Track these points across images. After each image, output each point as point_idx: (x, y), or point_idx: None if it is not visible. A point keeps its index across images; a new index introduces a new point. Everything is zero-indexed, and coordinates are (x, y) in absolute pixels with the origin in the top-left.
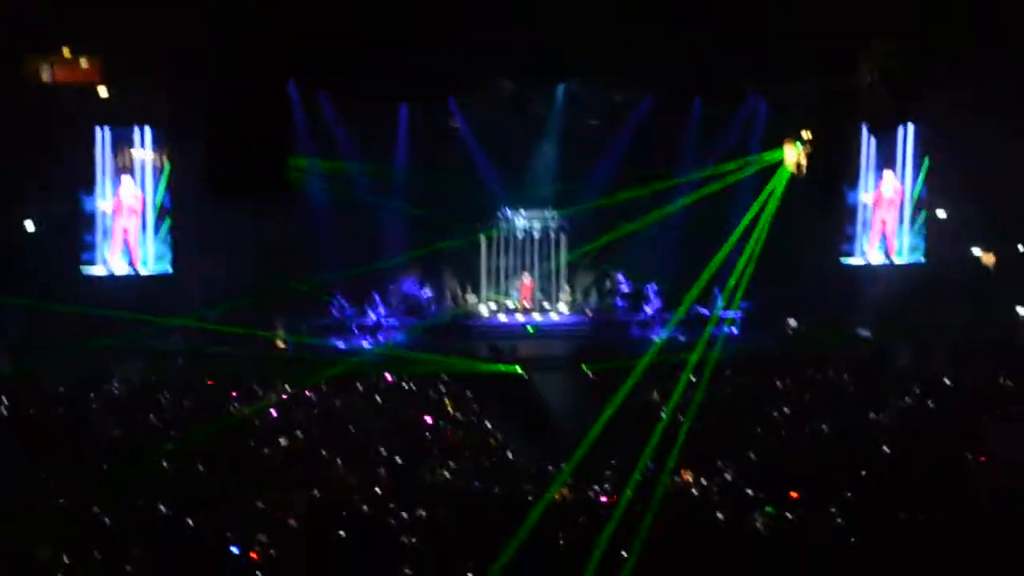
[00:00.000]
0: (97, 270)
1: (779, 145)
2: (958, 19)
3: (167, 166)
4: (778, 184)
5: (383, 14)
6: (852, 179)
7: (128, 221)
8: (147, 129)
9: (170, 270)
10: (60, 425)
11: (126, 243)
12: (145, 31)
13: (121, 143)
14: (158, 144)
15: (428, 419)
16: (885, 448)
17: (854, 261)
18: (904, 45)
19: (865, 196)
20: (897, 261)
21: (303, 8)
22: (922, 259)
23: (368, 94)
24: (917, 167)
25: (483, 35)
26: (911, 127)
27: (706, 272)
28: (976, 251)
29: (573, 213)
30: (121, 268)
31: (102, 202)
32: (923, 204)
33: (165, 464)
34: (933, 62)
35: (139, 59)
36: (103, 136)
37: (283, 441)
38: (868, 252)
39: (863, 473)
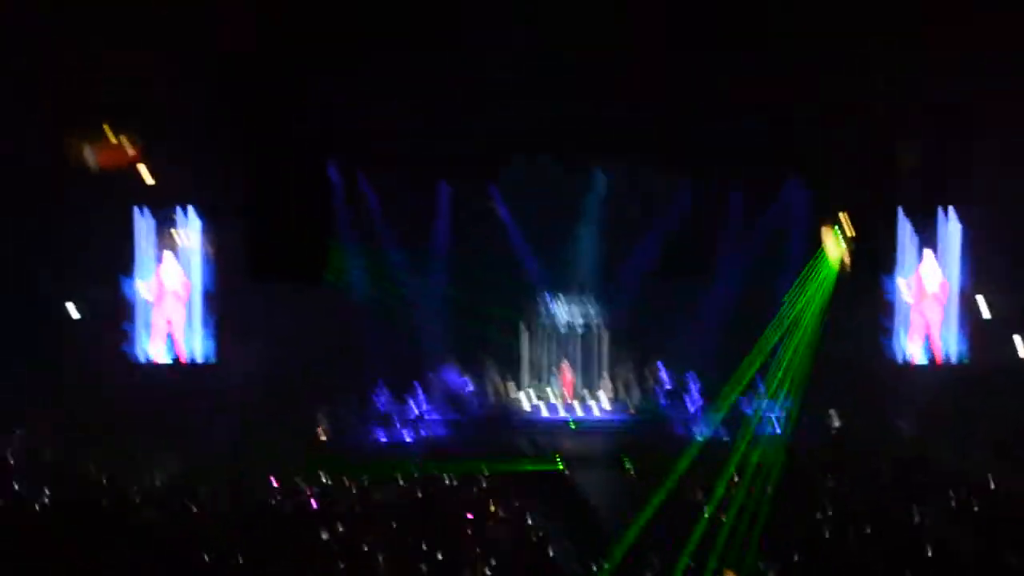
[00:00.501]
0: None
1: (820, 233)
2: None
3: (209, 250)
4: (822, 275)
5: (425, 90)
6: (890, 268)
7: (172, 309)
8: (189, 210)
9: (214, 359)
10: (102, 514)
11: (170, 333)
12: (186, 109)
13: (163, 225)
14: (202, 227)
15: (469, 515)
16: (928, 550)
17: (898, 358)
18: (942, 120)
19: (904, 288)
20: (941, 361)
21: (344, 86)
22: (965, 359)
23: (408, 173)
24: (963, 256)
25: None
26: (951, 210)
27: (749, 367)
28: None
29: (612, 303)
30: (163, 357)
31: (143, 287)
32: (966, 296)
33: (205, 557)
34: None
35: (180, 139)
36: (142, 217)
37: (324, 535)
38: (909, 350)
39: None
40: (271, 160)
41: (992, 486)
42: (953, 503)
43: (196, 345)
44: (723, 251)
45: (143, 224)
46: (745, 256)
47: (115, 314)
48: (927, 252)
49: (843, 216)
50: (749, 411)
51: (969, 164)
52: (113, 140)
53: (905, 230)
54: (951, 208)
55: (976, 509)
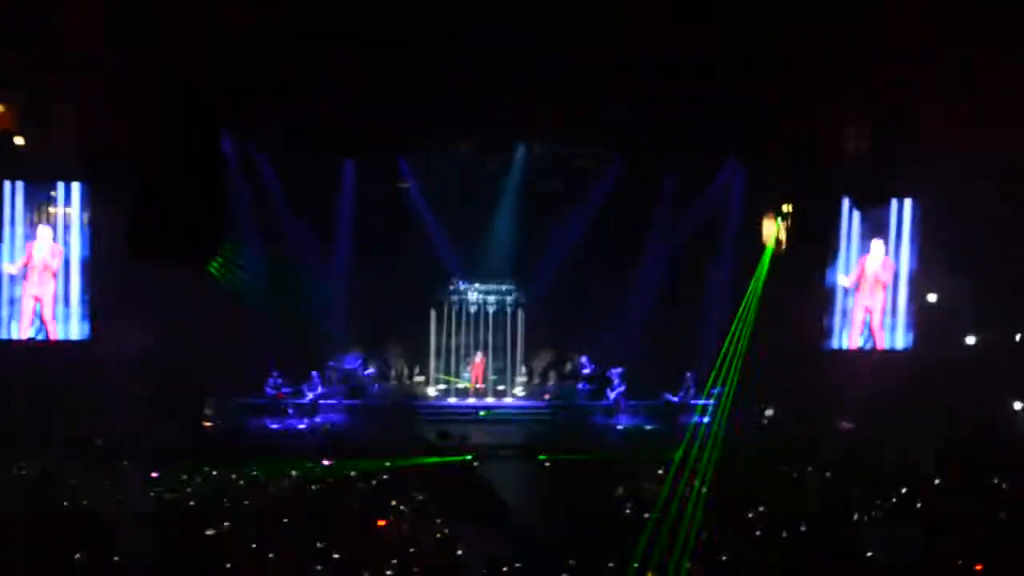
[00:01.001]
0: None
1: (758, 218)
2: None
3: (87, 224)
4: (759, 262)
5: (328, 61)
6: (832, 258)
7: (42, 285)
8: (71, 185)
9: (88, 336)
10: None
11: (39, 309)
12: (67, 76)
13: (38, 199)
14: (80, 201)
15: (369, 511)
16: (869, 553)
17: (836, 345)
18: (894, 109)
19: (844, 279)
20: (882, 346)
21: (238, 51)
22: (910, 344)
23: (310, 149)
24: (912, 245)
25: (438, 87)
26: (908, 202)
27: (677, 355)
28: (970, 338)
29: (531, 287)
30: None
31: (8, 265)
32: (912, 283)
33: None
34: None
35: (60, 107)
36: (13, 191)
37: (209, 532)
38: (850, 340)
39: None
40: (159, 131)
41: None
42: (893, 500)
43: (73, 319)
44: (653, 234)
45: (12, 197)
46: (676, 240)
47: None
48: (874, 242)
49: (782, 200)
50: (676, 400)
51: (918, 150)
52: None
53: (847, 215)
54: (898, 193)
55: (918, 506)
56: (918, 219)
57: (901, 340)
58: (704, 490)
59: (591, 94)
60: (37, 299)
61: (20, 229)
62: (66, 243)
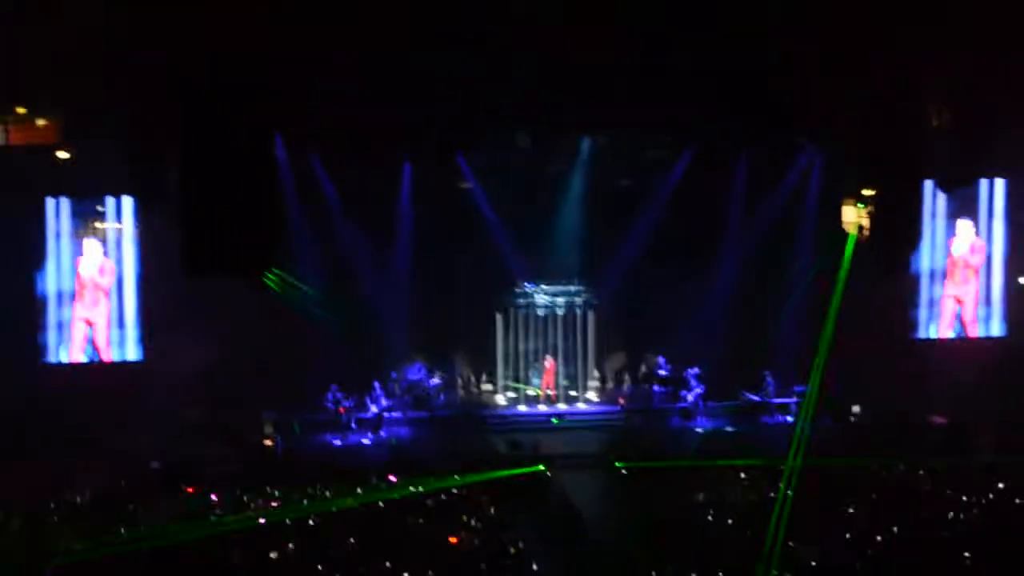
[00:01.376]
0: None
1: (838, 205)
2: None
3: (138, 240)
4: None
5: (381, 61)
6: (917, 244)
7: (93, 305)
8: (120, 200)
9: (141, 357)
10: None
11: (91, 330)
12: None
13: (85, 215)
14: (130, 216)
15: (439, 527)
16: (966, 555)
17: (924, 335)
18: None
19: (932, 264)
20: (974, 335)
21: (290, 57)
22: (1002, 332)
23: (366, 153)
24: (1005, 227)
25: (496, 82)
26: (999, 182)
27: (757, 353)
28: None
29: (601, 287)
30: (80, 356)
31: (55, 283)
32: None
33: None
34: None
35: (104, 119)
36: (58, 208)
37: (273, 555)
38: (939, 330)
39: None
40: (210, 142)
41: None
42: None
43: (128, 341)
44: (727, 227)
45: (60, 213)
46: (752, 232)
47: (23, 311)
48: (961, 223)
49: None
50: (757, 399)
51: (1008, 128)
52: (32, 124)
53: (931, 197)
54: (987, 173)
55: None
56: (1010, 199)
57: (996, 328)
58: (790, 493)
59: (657, 82)
60: (89, 323)
61: (67, 246)
62: (118, 260)
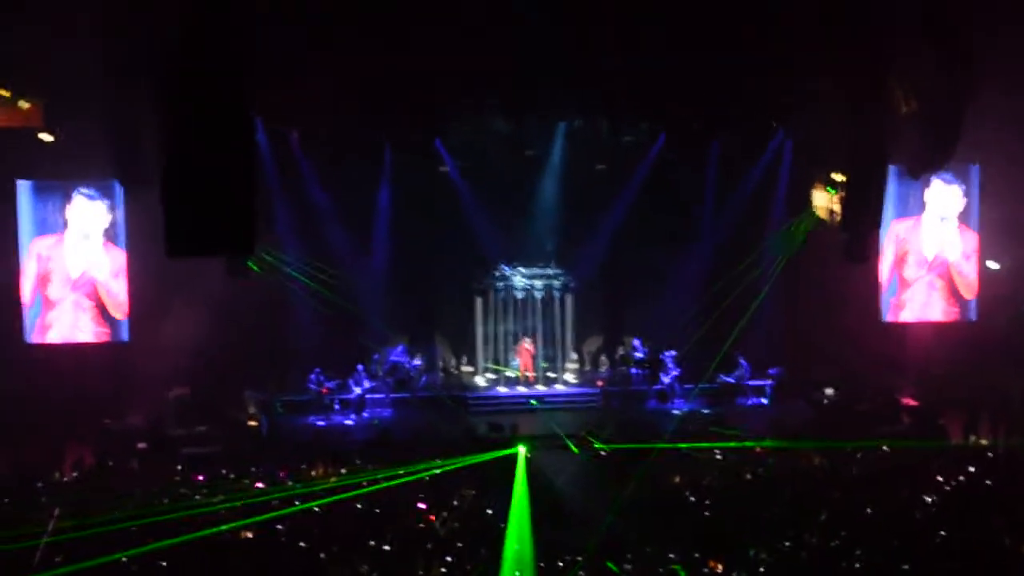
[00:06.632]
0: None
1: (808, 191)
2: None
3: (120, 223)
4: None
5: (358, 44)
6: (884, 228)
7: (76, 291)
8: (102, 183)
9: (125, 338)
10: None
11: (79, 312)
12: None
13: (66, 199)
14: (111, 199)
15: (421, 506)
16: (941, 533)
17: (894, 319)
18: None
19: (896, 248)
20: (942, 319)
21: (270, 39)
22: (973, 316)
23: (345, 135)
24: (975, 213)
25: (473, 67)
26: (973, 168)
27: (732, 335)
28: None
29: (578, 270)
30: (68, 337)
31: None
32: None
33: (124, 559)
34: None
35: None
36: (36, 190)
37: (247, 535)
38: (909, 313)
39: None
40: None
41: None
42: (961, 478)
43: (112, 326)
44: (702, 211)
45: (39, 196)
46: (726, 216)
47: (5, 293)
48: (931, 207)
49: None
50: (732, 382)
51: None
52: (15, 107)
53: (899, 183)
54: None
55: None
56: (982, 185)
57: (967, 312)
58: (764, 474)
59: (631, 67)
60: (74, 304)
61: (51, 228)
62: (102, 242)
